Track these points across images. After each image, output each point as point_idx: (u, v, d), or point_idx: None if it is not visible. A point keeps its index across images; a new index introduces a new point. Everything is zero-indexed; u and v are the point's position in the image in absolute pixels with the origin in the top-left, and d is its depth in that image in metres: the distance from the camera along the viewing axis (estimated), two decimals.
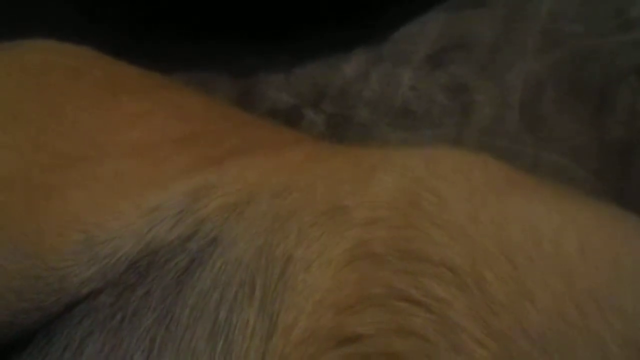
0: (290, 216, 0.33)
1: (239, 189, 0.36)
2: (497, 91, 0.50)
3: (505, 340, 0.26)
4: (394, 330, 0.28)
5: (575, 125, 0.47)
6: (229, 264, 0.33)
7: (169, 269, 0.35)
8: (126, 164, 0.38)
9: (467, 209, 0.31)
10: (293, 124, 0.54)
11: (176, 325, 0.33)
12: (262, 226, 0.34)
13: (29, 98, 0.40)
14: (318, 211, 0.33)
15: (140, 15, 0.62)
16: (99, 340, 0.34)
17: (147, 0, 0.61)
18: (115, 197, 0.36)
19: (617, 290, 0.27)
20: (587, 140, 0.47)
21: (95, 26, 0.60)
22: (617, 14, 0.49)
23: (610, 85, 0.48)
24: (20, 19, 0.60)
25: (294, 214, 0.33)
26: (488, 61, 0.52)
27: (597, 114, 0.47)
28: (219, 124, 0.44)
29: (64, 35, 0.45)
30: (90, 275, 0.35)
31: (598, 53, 0.49)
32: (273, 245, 0.32)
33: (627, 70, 0.47)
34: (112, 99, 0.43)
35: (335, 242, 0.31)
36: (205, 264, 0.34)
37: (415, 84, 0.52)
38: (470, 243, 0.29)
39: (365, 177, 0.34)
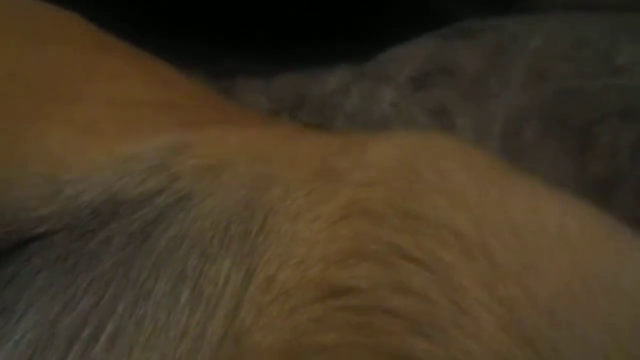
0: (274, 175, 0.32)
1: (218, 152, 0.34)
2: (479, 118, 0.50)
3: (512, 307, 0.25)
4: (391, 285, 0.26)
5: (556, 160, 0.47)
6: (202, 216, 0.31)
7: (133, 219, 0.32)
8: (103, 113, 0.36)
9: (470, 182, 0.29)
10: None
11: (137, 273, 0.30)
12: (240, 183, 0.32)
13: (13, 27, 0.38)
14: (306, 171, 0.31)
15: (121, 13, 0.60)
16: (47, 278, 0.31)
17: None
18: (87, 141, 0.34)
19: (622, 277, 0.26)
20: (566, 175, 0.46)
21: None
22: (606, 59, 0.50)
23: (593, 124, 0.48)
24: None
25: (278, 173, 0.32)
26: (472, 89, 0.51)
27: (579, 150, 0.47)
28: (200, 99, 0.42)
29: None
30: (47, 213, 0.32)
31: (583, 93, 0.49)
32: (253, 198, 0.30)
33: (610, 111, 0.48)
34: (96, 54, 0.42)
35: (326, 198, 0.29)
36: (175, 217, 0.32)
37: (397, 102, 0.52)
38: (474, 212, 0.28)
39: (358, 147, 0.32)
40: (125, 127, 0.36)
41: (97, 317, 0.29)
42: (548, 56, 0.52)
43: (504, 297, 0.25)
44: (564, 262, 0.26)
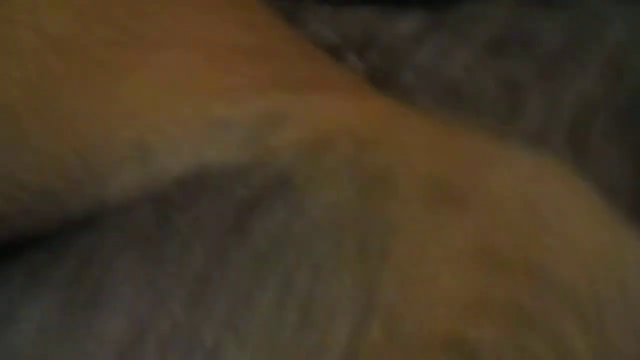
0: (385, 177, 0.30)
1: (316, 127, 0.32)
2: (550, 101, 0.49)
3: None
4: (511, 349, 0.26)
5: (620, 159, 0.47)
6: (308, 215, 0.29)
7: (226, 199, 0.30)
8: (194, 59, 0.34)
9: (586, 228, 0.29)
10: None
11: (236, 273, 0.28)
12: (349, 180, 0.31)
13: None
14: (421, 181, 0.30)
15: None
16: (131, 260, 0.28)
17: None
18: (178, 97, 0.32)
19: None
20: (628, 176, 0.47)
21: None
22: None
23: None
24: None
25: (389, 175, 0.31)
26: (547, 67, 0.50)
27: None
28: (288, 46, 0.40)
29: None
30: (132, 184, 0.30)
31: None
32: (368, 207, 0.29)
33: None
34: None
35: (453, 230, 0.28)
36: (276, 208, 0.30)
37: (470, 66, 0.51)
38: (590, 267, 0.28)
39: (477, 166, 0.31)
40: (219, 81, 0.33)
41: (192, 324, 0.27)
42: (629, 48, 0.51)
43: None
44: None
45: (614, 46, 0.51)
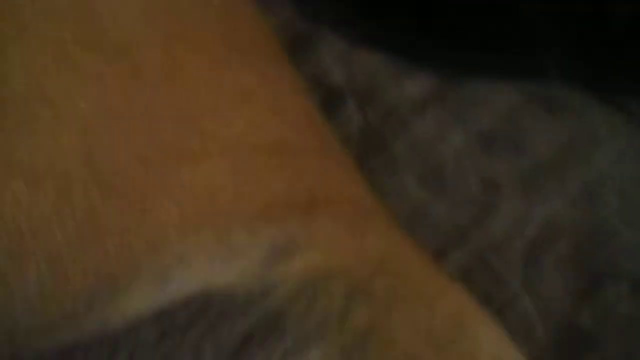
0: (364, 344, 0.33)
1: (318, 263, 0.34)
2: (522, 212, 0.51)
3: None
4: None
5: (566, 289, 0.50)
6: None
7: (227, 327, 0.32)
8: (220, 172, 0.35)
9: None
10: (330, 106, 0.51)
11: None
12: (333, 339, 0.32)
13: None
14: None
15: None
16: None
17: None
18: (203, 224, 0.33)
19: None
20: (565, 306, 0.50)
21: None
22: None
23: (606, 276, 0.51)
24: None
25: (368, 342, 0.33)
26: (530, 177, 0.52)
27: (585, 297, 0.50)
28: (309, 138, 0.40)
29: None
30: (143, 306, 0.31)
31: (614, 243, 0.51)
32: None
33: (626, 273, 0.51)
34: (228, 59, 0.38)
35: None
36: (269, 347, 0.32)
37: (460, 153, 0.52)
38: None
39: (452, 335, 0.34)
40: (241, 202, 0.34)
41: None
42: (609, 177, 0.53)
43: None
44: None
45: (597, 172, 0.53)
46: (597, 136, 0.54)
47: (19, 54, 0.34)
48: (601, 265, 0.51)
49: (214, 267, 0.32)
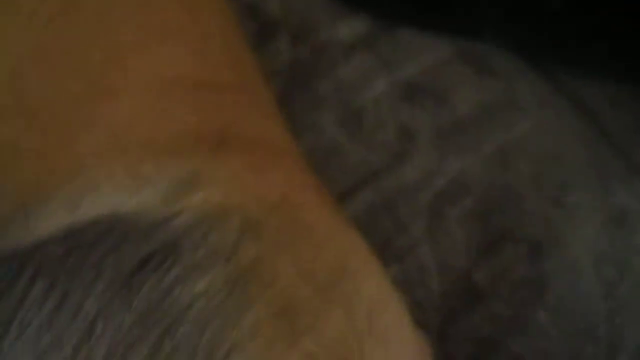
0: (246, 281, 0.34)
1: (220, 198, 0.35)
2: (433, 162, 0.52)
3: None
4: None
5: (464, 249, 0.52)
6: (180, 298, 0.33)
7: (131, 248, 0.33)
8: (137, 107, 0.36)
9: None
10: (263, 38, 0.52)
11: (117, 326, 0.31)
12: (220, 272, 0.34)
13: None
14: (273, 307, 0.34)
15: None
16: (42, 291, 0.31)
17: None
18: (115, 157, 0.35)
19: None
20: (462, 267, 0.51)
21: None
22: None
23: (507, 238, 0.52)
24: None
25: (250, 280, 0.34)
26: (448, 129, 0.53)
27: (484, 255, 0.52)
28: (231, 74, 0.41)
29: None
30: (54, 227, 0.33)
31: (519, 206, 0.53)
32: (223, 327, 0.33)
33: (526, 236, 0.52)
34: None
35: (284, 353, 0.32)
36: (163, 272, 0.33)
37: (380, 98, 0.53)
38: None
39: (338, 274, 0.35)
40: (155, 135, 0.36)
41: None
42: (524, 147, 0.54)
43: None
44: None
45: (515, 138, 0.54)
46: (522, 103, 0.55)
47: None
48: (503, 226, 0.52)
49: (122, 195, 0.34)
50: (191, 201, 0.34)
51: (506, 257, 0.52)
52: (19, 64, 0.35)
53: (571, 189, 0.54)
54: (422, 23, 0.54)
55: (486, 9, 0.57)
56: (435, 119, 0.53)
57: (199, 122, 0.37)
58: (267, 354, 0.32)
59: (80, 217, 0.33)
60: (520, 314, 0.52)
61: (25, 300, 0.31)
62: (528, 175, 0.54)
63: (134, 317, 0.32)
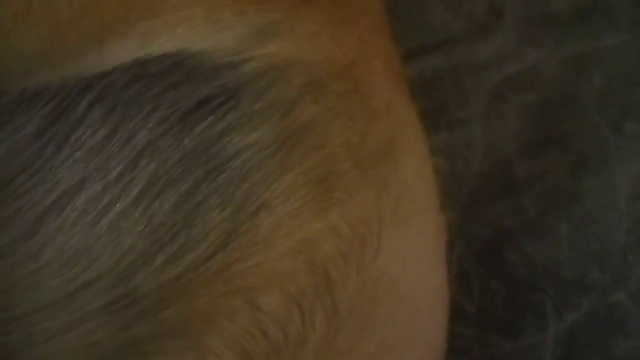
0: (298, 141, 0.34)
1: (289, 52, 0.35)
2: None
3: None
4: None
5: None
6: (230, 147, 0.33)
7: (189, 89, 0.33)
8: None
9: None
10: None
11: (162, 162, 0.32)
12: (273, 126, 0.34)
13: None
14: (311, 175, 0.34)
15: None
16: (100, 114, 0.32)
17: None
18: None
19: None
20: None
21: None
22: None
23: None
24: None
25: (305, 142, 0.34)
26: None
27: None
28: None
29: None
30: (127, 58, 0.33)
31: None
32: (260, 184, 0.33)
33: None
34: None
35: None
36: (222, 114, 0.33)
37: None
38: None
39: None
40: None
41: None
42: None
43: None
44: None
45: (602, 46, 0.53)
46: (616, 16, 0.54)
47: None
48: (558, 130, 0.52)
49: (196, 35, 0.34)
50: (263, 51, 0.34)
51: (551, 160, 0.52)
52: None
53: (635, 117, 0.54)
54: None
55: None
56: (527, 5, 0.52)
57: None
58: (293, 219, 0.33)
59: (150, 52, 0.33)
60: (544, 218, 0.52)
61: (81, 123, 0.32)
62: (597, 89, 0.53)
63: (179, 155, 0.32)
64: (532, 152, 0.52)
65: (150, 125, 0.32)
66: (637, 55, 0.54)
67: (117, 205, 0.31)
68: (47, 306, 0.31)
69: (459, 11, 0.51)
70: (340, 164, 0.35)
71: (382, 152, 0.36)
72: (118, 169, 0.31)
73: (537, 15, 0.52)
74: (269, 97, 0.34)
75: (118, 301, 0.31)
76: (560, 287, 0.51)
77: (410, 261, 0.37)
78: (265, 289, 0.32)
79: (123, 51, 0.33)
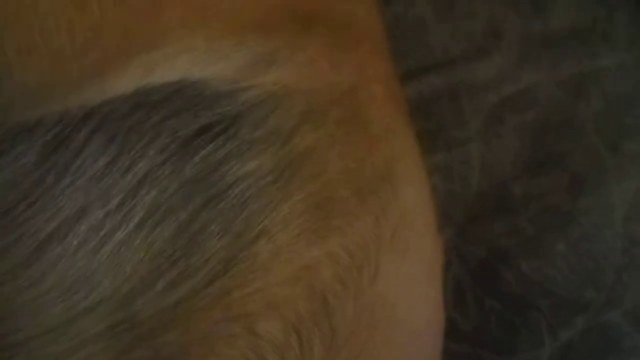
0: (295, 172, 0.34)
1: (289, 80, 0.35)
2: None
3: None
4: None
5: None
6: (229, 174, 0.33)
7: (189, 117, 0.34)
8: None
9: None
10: None
11: (162, 190, 0.32)
12: (272, 155, 0.34)
13: None
14: (310, 202, 0.34)
15: None
16: (100, 144, 0.32)
17: None
18: (197, 23, 0.34)
19: None
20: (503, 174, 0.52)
21: None
22: None
23: None
24: None
25: (304, 170, 0.34)
26: None
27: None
28: None
29: None
30: (128, 89, 0.33)
31: None
32: (259, 212, 0.33)
33: None
34: None
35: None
36: (220, 144, 0.33)
37: None
38: None
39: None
40: (238, 10, 0.35)
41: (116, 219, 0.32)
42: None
43: None
44: None
45: (600, 67, 0.53)
46: (614, 36, 0.54)
47: None
48: (556, 150, 0.52)
49: (196, 64, 0.34)
50: (262, 79, 0.34)
51: (548, 180, 0.53)
52: None
53: (632, 137, 0.54)
54: None
55: None
56: (526, 26, 0.52)
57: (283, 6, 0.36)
58: (292, 246, 0.33)
59: (151, 82, 0.33)
60: (541, 238, 0.53)
61: (82, 151, 0.32)
62: (596, 109, 0.54)
63: (179, 183, 0.32)
64: (530, 172, 0.52)
65: (150, 154, 0.32)
66: (634, 75, 0.55)
67: (118, 233, 0.31)
68: (48, 331, 0.31)
69: (458, 32, 0.51)
70: (339, 190, 0.35)
71: (380, 178, 0.36)
72: (119, 197, 0.31)
73: (536, 36, 0.53)
74: (268, 125, 0.34)
75: (118, 325, 0.31)
76: (556, 305, 0.52)
77: (407, 286, 0.37)
78: (264, 315, 0.32)
79: (124, 82, 0.33)
